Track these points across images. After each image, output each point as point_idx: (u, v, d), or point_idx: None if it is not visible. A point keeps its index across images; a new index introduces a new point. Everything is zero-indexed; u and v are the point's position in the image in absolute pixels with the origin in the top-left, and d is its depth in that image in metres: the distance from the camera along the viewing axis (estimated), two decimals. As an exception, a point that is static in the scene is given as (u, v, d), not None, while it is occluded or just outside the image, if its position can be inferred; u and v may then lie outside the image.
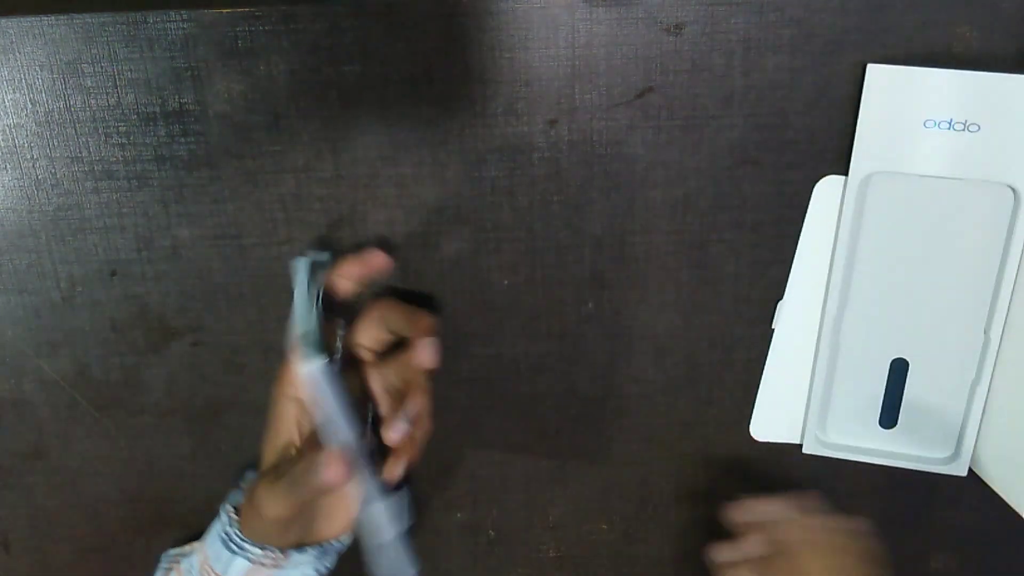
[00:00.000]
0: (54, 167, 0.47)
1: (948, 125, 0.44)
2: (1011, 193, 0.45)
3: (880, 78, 0.44)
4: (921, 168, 0.45)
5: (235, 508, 0.47)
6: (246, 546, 0.45)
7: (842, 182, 0.47)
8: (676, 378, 0.52)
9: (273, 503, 0.43)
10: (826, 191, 0.47)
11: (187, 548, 0.51)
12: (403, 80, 0.46)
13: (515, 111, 0.47)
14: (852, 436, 0.52)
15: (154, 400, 0.52)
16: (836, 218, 0.48)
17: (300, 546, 0.47)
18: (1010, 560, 0.55)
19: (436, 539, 0.56)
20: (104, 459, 0.53)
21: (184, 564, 0.50)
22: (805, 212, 0.48)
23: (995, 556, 0.55)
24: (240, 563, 0.45)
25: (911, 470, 0.52)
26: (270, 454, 0.46)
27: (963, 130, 0.44)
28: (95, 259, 0.49)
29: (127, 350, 0.51)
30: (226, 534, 0.46)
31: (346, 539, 0.49)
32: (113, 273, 0.49)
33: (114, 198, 0.48)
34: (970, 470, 0.51)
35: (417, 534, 0.56)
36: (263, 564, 0.46)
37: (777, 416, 0.52)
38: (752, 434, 0.53)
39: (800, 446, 0.52)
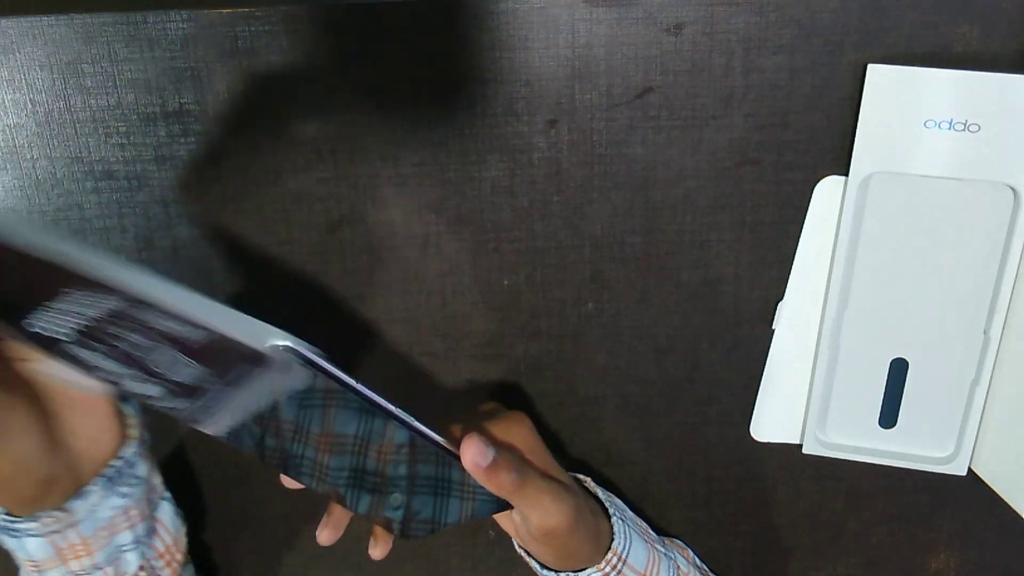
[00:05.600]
0: (54, 167, 0.47)
1: (948, 125, 0.44)
2: (1011, 193, 0.45)
3: (880, 78, 0.44)
4: (921, 168, 0.45)
5: None
6: (20, 525, 0.40)
7: (842, 182, 0.47)
8: (676, 378, 0.52)
9: None
10: (826, 191, 0.47)
11: None
12: (403, 80, 0.46)
13: (515, 111, 0.47)
14: (852, 436, 0.52)
15: (154, 400, 0.52)
16: (836, 218, 0.48)
17: (77, 491, 0.41)
18: (1010, 560, 0.55)
19: (436, 539, 0.56)
20: (104, 459, 0.53)
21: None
22: (805, 212, 0.48)
23: (995, 556, 0.55)
24: (33, 542, 0.40)
25: (911, 470, 0.52)
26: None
27: (963, 130, 0.44)
28: (95, 259, 0.49)
29: (127, 350, 0.51)
30: None
31: (129, 451, 0.43)
32: (113, 273, 0.49)
33: (114, 198, 0.48)
34: (970, 470, 0.51)
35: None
36: (55, 531, 0.40)
37: (777, 416, 0.52)
38: (752, 434, 0.53)
39: (800, 446, 0.52)
